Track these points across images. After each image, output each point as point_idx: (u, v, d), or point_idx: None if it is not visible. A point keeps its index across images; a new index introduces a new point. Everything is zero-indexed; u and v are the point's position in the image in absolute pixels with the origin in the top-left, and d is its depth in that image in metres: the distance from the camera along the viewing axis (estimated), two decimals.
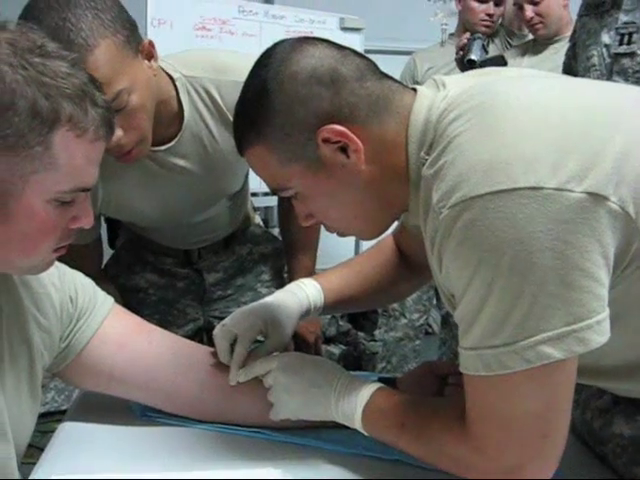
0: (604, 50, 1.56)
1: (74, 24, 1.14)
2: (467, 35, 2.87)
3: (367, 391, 1.06)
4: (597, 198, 0.81)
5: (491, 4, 3.08)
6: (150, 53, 1.29)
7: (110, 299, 1.21)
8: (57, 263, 1.08)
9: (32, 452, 1.12)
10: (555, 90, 0.95)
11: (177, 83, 1.41)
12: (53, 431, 1.22)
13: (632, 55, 1.58)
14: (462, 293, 0.86)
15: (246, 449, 1.15)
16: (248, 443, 1.16)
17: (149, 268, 1.76)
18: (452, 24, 3.30)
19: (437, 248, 0.89)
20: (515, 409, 0.87)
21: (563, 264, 0.80)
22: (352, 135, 0.95)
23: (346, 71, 0.97)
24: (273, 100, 0.97)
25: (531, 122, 0.86)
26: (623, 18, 1.53)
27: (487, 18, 3.09)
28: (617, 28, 1.53)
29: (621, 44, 1.52)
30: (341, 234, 1.15)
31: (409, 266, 1.37)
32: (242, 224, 1.82)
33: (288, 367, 1.13)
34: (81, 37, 1.14)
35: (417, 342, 3.23)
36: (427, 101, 0.98)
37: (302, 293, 1.30)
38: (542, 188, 0.80)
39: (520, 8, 2.85)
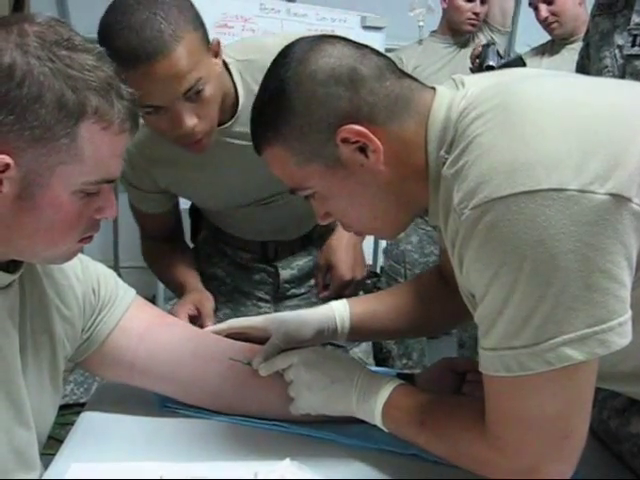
0: (617, 51, 1.53)
1: (164, 17, 1.25)
2: (479, 43, 2.92)
3: (387, 388, 1.07)
4: (620, 200, 0.80)
5: (477, 2, 3.11)
6: (217, 51, 1.39)
7: (132, 291, 1.22)
8: (80, 255, 1.09)
9: (51, 444, 1.13)
10: (576, 89, 0.95)
11: (231, 67, 1.48)
12: (72, 423, 1.22)
13: None
14: (483, 294, 0.86)
15: (265, 441, 1.15)
16: (267, 436, 1.17)
17: (227, 261, 1.81)
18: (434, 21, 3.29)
19: (458, 249, 0.89)
20: (535, 410, 0.86)
21: (585, 266, 0.80)
22: (371, 135, 0.95)
23: (365, 70, 0.97)
24: (291, 100, 0.97)
25: (553, 122, 0.85)
26: (636, 19, 1.49)
27: (473, 17, 3.12)
28: (630, 29, 1.50)
29: (633, 45, 1.49)
30: (359, 233, 1.15)
31: (450, 294, 1.30)
32: (320, 227, 1.80)
33: (309, 362, 1.14)
34: (170, 29, 1.25)
35: None
36: (447, 100, 0.97)
37: (326, 306, 1.29)
38: (565, 189, 0.80)
39: (535, 8, 2.86)
